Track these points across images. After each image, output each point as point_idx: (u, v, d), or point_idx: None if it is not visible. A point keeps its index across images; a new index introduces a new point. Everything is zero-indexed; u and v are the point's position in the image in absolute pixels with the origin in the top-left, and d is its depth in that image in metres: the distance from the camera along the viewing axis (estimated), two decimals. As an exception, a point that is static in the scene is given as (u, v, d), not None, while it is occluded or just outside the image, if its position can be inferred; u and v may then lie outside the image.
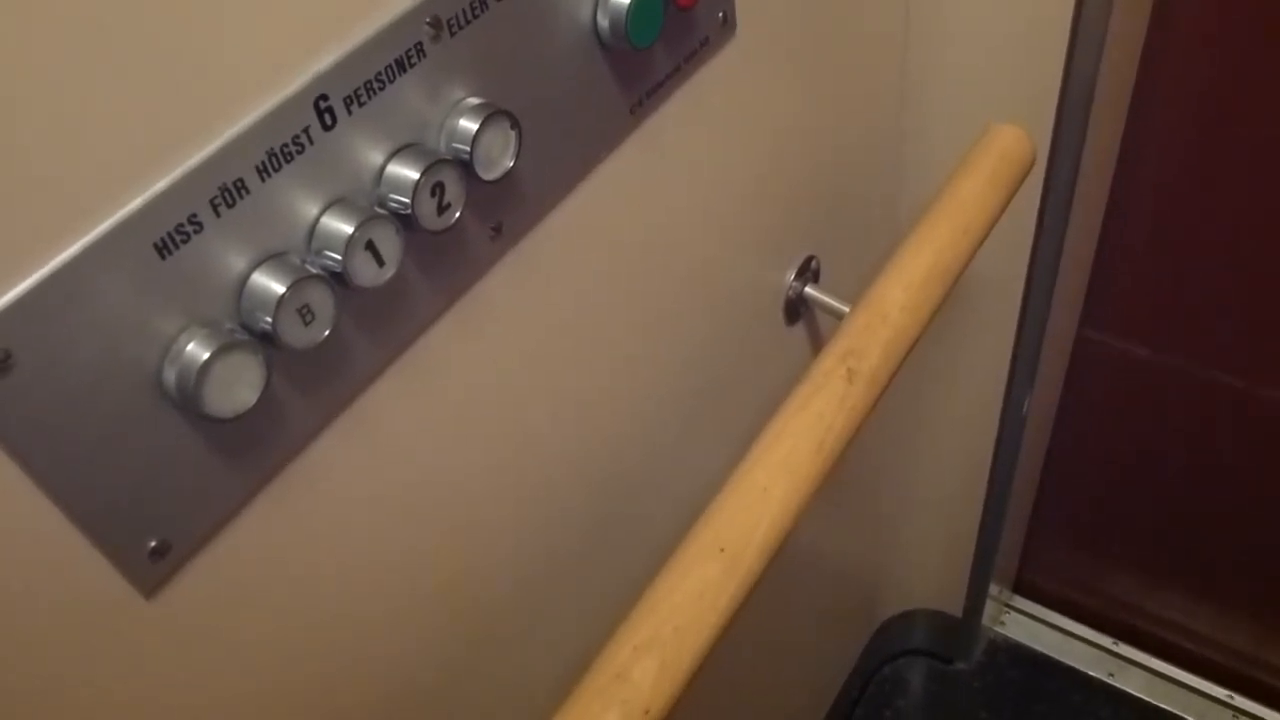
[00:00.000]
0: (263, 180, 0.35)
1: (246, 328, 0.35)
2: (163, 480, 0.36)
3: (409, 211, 0.38)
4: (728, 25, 0.55)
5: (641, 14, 0.46)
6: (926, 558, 1.31)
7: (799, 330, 0.80)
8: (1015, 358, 0.99)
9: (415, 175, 0.38)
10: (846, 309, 0.68)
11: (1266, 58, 0.82)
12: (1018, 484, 1.15)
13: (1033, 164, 0.74)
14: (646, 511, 0.67)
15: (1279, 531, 1.18)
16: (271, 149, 0.35)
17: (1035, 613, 1.43)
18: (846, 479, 1.04)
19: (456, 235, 0.43)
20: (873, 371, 0.61)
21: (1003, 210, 0.71)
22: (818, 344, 0.83)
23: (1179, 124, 0.89)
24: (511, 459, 0.53)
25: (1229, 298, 1.00)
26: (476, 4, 0.40)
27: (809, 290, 0.76)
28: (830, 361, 0.61)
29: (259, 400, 0.35)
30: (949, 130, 0.81)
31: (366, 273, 0.38)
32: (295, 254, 0.36)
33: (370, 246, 0.37)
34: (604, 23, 0.46)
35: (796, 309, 0.77)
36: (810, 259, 0.76)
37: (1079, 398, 1.19)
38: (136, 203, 0.31)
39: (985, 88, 0.79)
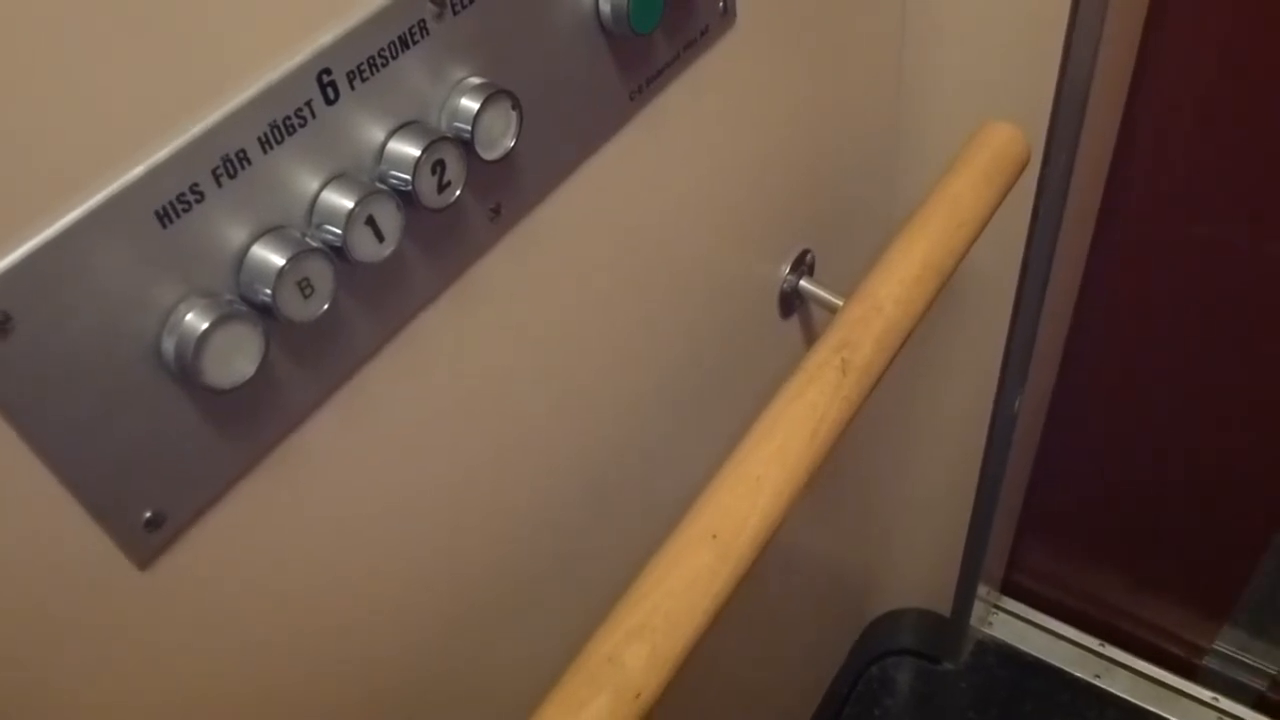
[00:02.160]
0: (265, 152, 0.35)
1: (246, 299, 0.35)
2: (159, 450, 0.36)
3: (409, 189, 0.39)
4: (728, 15, 0.56)
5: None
6: (915, 557, 1.32)
7: (793, 323, 0.80)
8: (1007, 356, 1.00)
9: (416, 152, 0.38)
10: (840, 302, 0.68)
11: (1264, 55, 0.82)
12: (1007, 484, 1.16)
13: (1027, 161, 0.74)
14: (640, 498, 0.68)
15: (1267, 537, 1.19)
16: (274, 121, 0.35)
17: (1023, 614, 1.43)
18: (838, 478, 1.05)
19: (456, 214, 0.43)
20: (866, 363, 0.61)
21: (997, 207, 0.71)
22: (812, 337, 0.83)
23: (1175, 122, 0.90)
24: (506, 441, 0.53)
25: (1223, 296, 1.00)
26: (480, -17, 0.40)
27: (804, 284, 0.76)
28: (824, 353, 0.61)
29: (257, 372, 0.35)
30: (945, 126, 0.82)
31: (366, 248, 0.38)
32: (295, 227, 0.37)
33: (370, 222, 0.38)
34: (606, 7, 0.46)
35: (791, 302, 0.77)
36: (805, 252, 0.76)
37: (1071, 398, 1.19)
38: (139, 170, 0.32)
39: (981, 84, 0.79)
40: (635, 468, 0.66)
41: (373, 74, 0.37)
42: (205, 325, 0.34)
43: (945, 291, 0.68)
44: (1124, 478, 1.24)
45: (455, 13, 0.40)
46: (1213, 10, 0.81)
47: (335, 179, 0.37)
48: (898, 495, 1.22)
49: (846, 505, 1.15)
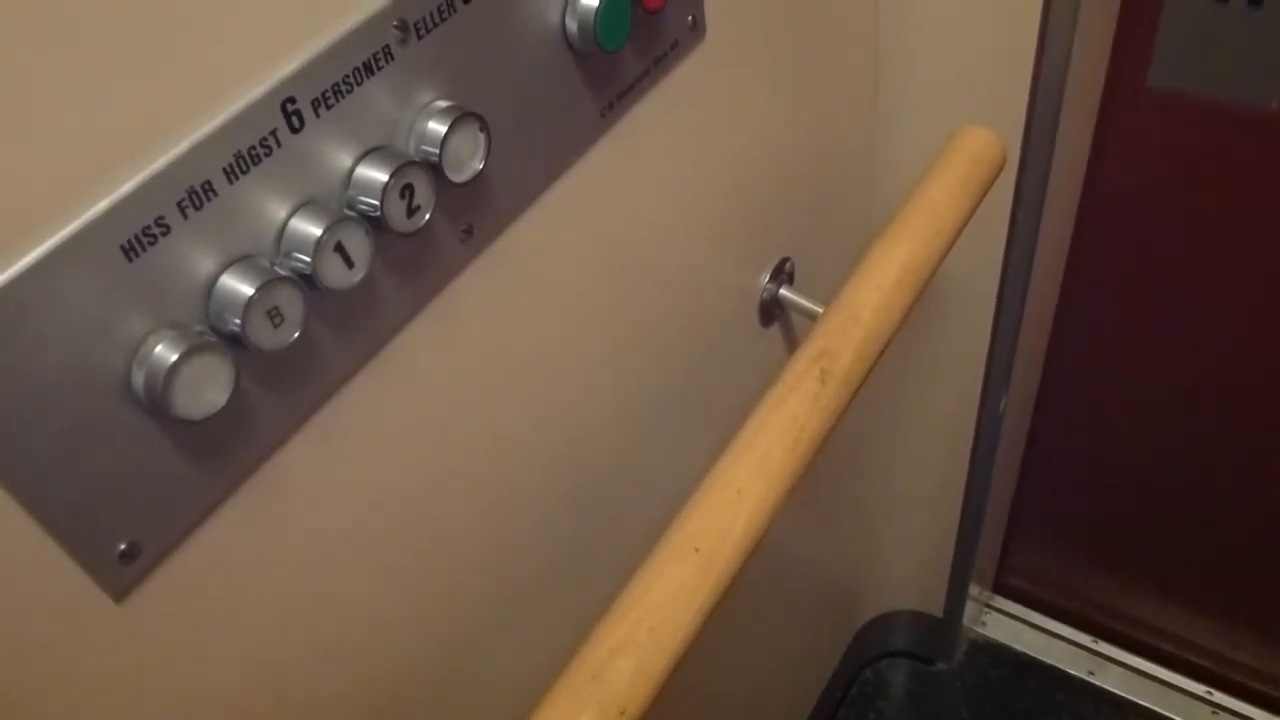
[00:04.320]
0: (230, 182, 0.35)
1: (215, 330, 0.35)
2: (132, 483, 0.36)
3: (378, 214, 0.39)
4: (697, 29, 0.56)
5: (610, 17, 0.46)
6: (906, 559, 1.32)
7: (774, 332, 0.80)
8: (990, 358, 1.00)
9: (384, 177, 0.38)
10: (821, 310, 0.68)
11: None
12: (996, 484, 1.16)
13: (1003, 165, 0.74)
14: (622, 513, 0.68)
15: (1255, 532, 1.19)
16: (239, 151, 0.35)
17: (1015, 612, 1.44)
18: (825, 481, 1.05)
19: (427, 237, 0.43)
20: (846, 372, 0.61)
21: (974, 211, 0.72)
22: (793, 346, 0.83)
23: (1149, 123, 0.90)
24: (485, 462, 0.53)
25: (1203, 297, 1.01)
26: (444, 7, 0.40)
27: (783, 292, 0.77)
28: (804, 363, 0.61)
29: (228, 402, 0.35)
30: (921, 132, 0.82)
31: (336, 275, 0.38)
32: (264, 256, 0.37)
33: (339, 249, 0.38)
34: (573, 25, 0.46)
35: (771, 311, 0.78)
36: (785, 261, 0.77)
37: (1055, 397, 1.19)
38: (103, 204, 0.32)
39: (956, 90, 0.80)
40: (617, 482, 0.66)
41: (338, 100, 0.37)
42: (174, 357, 0.34)
43: (927, 295, 0.68)
44: (1112, 473, 1.25)
45: (420, 36, 0.40)
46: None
47: (303, 207, 0.37)
48: (887, 498, 1.22)
49: (836, 510, 1.15)
